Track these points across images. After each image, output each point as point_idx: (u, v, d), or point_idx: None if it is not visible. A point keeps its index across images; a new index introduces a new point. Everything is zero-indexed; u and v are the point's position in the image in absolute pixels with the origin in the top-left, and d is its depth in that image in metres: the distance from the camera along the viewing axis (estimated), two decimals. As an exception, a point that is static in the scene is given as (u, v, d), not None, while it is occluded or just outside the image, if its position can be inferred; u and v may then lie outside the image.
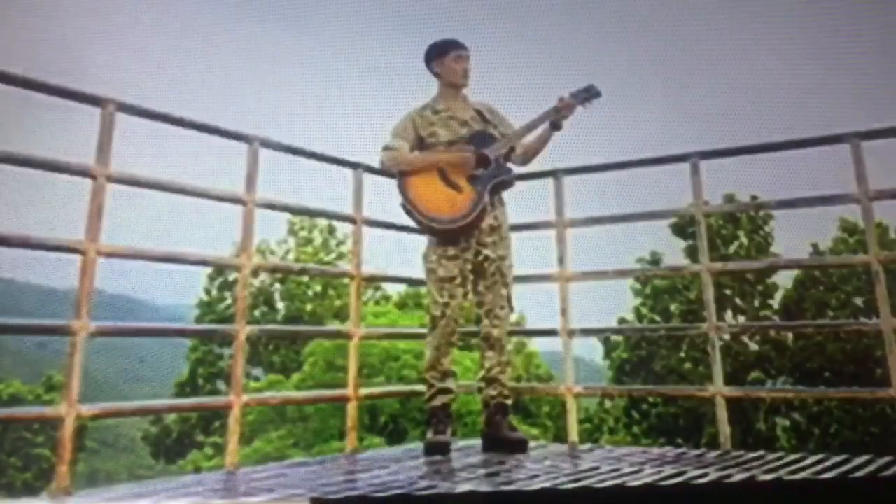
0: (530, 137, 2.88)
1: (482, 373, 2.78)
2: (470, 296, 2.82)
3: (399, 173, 2.75)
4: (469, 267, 2.75)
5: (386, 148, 2.81)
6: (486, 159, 2.74)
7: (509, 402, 2.75)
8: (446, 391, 2.76)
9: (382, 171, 2.93)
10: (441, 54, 2.89)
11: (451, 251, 2.73)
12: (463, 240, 2.74)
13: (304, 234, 20.40)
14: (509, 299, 2.78)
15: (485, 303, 2.77)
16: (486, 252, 2.76)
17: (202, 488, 2.01)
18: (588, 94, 2.80)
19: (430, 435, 2.70)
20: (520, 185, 3.01)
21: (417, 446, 2.83)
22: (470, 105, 2.91)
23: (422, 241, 2.91)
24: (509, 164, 2.87)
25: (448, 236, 2.73)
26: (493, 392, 2.74)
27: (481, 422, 2.80)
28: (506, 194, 2.90)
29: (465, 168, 2.72)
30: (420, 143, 2.83)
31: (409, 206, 2.69)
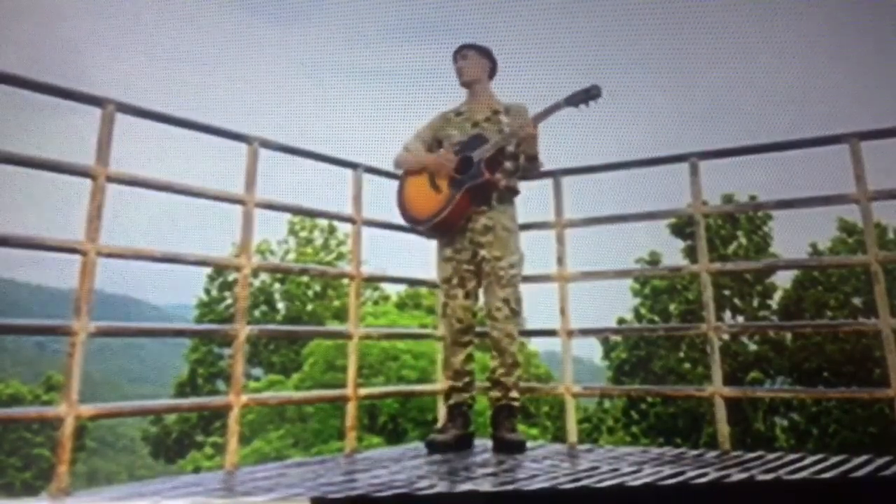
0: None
1: (488, 374, 2.80)
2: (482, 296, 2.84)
3: (402, 173, 2.93)
4: (469, 268, 2.79)
5: (404, 148, 2.97)
6: (470, 162, 2.75)
7: (515, 404, 2.75)
8: (458, 390, 2.79)
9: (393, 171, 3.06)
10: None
11: (448, 252, 2.82)
12: (458, 241, 2.79)
13: (304, 234, 20.39)
14: (507, 301, 2.73)
15: (487, 304, 2.78)
16: (483, 253, 2.77)
17: (202, 488, 2.01)
18: (586, 96, 2.69)
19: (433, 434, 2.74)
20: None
21: (417, 446, 2.84)
22: (490, 106, 2.92)
23: (421, 241, 2.96)
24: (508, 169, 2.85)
25: (435, 236, 2.86)
26: (496, 394, 2.75)
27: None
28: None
29: (446, 172, 2.76)
30: (438, 145, 2.93)
31: (399, 206, 2.86)
